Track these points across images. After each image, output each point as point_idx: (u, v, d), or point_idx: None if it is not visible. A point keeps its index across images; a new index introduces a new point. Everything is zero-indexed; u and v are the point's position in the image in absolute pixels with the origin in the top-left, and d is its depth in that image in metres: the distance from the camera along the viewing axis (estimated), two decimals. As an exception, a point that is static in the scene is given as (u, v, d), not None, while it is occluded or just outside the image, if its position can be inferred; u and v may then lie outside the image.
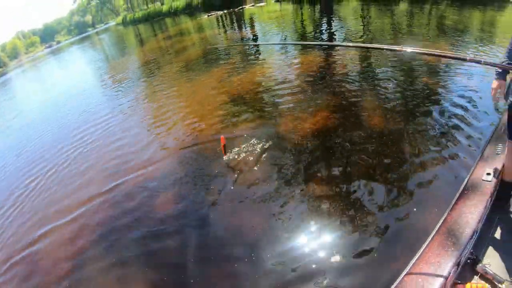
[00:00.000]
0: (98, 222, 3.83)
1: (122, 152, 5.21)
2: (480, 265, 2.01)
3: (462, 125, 4.43)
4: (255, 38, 11.13)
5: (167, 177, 4.21)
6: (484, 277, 2.00)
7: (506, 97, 2.25)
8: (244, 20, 14.59)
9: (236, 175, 3.90)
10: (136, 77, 9.57)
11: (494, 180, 2.28)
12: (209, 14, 16.57)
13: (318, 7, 17.61)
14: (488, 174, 2.32)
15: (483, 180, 2.31)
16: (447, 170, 3.56)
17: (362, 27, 11.95)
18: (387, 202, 3.19)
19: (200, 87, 6.97)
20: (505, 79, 2.27)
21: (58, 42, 72.74)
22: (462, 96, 5.25)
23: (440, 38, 10.06)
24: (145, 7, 40.83)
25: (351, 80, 6.29)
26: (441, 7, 19.53)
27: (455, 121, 4.58)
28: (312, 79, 6.47)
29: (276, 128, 4.69)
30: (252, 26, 13.33)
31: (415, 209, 3.06)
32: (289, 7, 17.39)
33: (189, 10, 18.60)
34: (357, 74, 6.67)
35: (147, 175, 4.38)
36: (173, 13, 23.78)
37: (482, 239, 2.21)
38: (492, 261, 2.09)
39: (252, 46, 10.09)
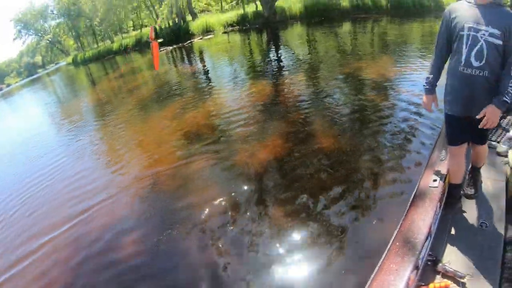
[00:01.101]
0: (50, 266, 3.65)
1: (79, 192, 5.01)
2: (440, 264, 2.12)
3: (411, 137, 4.70)
4: (207, 71, 11.28)
5: (125, 214, 4.13)
6: (446, 275, 2.10)
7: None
8: (194, 54, 14.79)
9: (197, 208, 3.86)
10: (90, 118, 9.43)
11: (441, 185, 2.40)
12: (159, 50, 16.75)
13: (265, 35, 18.08)
14: (435, 180, 2.44)
15: (430, 186, 2.42)
16: (400, 181, 3.75)
17: (308, 51, 12.46)
18: (347, 218, 3.30)
19: (155, 125, 7.00)
20: (434, 93, 2.43)
21: (8, 85, 70.19)
22: (408, 109, 5.57)
23: (384, 53, 10.92)
24: (95, 45, 40.54)
25: (302, 105, 6.50)
26: (382, 23, 20.66)
27: (404, 133, 4.86)
28: (264, 107, 6.61)
29: (232, 162, 4.72)
30: (202, 60, 13.51)
31: (374, 222, 3.21)
32: (237, 37, 17.77)
33: (139, 47, 18.75)
34: (307, 98, 6.90)
35: (104, 213, 4.28)
36: (124, 50, 23.88)
37: (439, 240, 2.34)
38: (451, 258, 2.20)
39: (204, 79, 10.21)
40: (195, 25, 19.20)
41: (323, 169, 4.25)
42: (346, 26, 19.96)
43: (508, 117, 4.18)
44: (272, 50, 13.62)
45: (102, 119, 8.71)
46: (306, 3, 23.01)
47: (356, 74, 8.21)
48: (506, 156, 3.21)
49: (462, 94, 2.24)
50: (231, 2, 26.89)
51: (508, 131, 3.63)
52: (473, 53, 2.10)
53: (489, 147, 3.26)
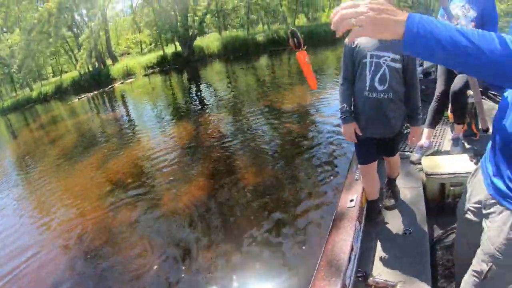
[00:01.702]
0: None
1: (2, 253, 4.64)
2: (371, 278, 2.17)
3: (332, 159, 5.04)
4: (130, 116, 11.40)
5: (51, 274, 3.90)
6: (378, 287, 2.15)
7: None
8: (116, 99, 14.78)
9: (125, 261, 3.75)
10: (11, 173, 9.05)
11: (358, 203, 2.48)
12: (80, 97, 16.42)
13: (185, 75, 18.56)
14: (351, 200, 2.51)
15: (348, 207, 2.48)
16: (325, 205, 3.95)
17: (229, 87, 13.08)
18: (276, 248, 3.43)
19: (80, 175, 6.87)
20: (353, 120, 2.43)
21: None
22: (327, 134, 5.99)
23: (301, 82, 11.53)
24: (14, 94, 38.60)
25: (226, 140, 6.79)
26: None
27: (326, 158, 5.18)
28: (189, 147, 6.81)
29: (159, 207, 4.68)
30: (125, 104, 13.61)
31: (304, 247, 3.35)
32: (158, 79, 18.07)
33: (59, 94, 18.31)
34: (231, 133, 7.26)
35: (29, 272, 4.02)
36: (43, 99, 23.14)
37: (366, 255, 2.39)
38: (381, 270, 2.25)
39: (128, 124, 10.31)
40: (116, 69, 19.21)
41: (250, 202, 4.36)
42: (264, 60, 21.18)
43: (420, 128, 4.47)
44: (194, 90, 14.05)
45: (24, 173, 8.45)
46: (223, 40, 24.12)
47: (276, 106, 8.70)
48: (420, 163, 3.36)
49: (369, 116, 2.34)
50: (150, 44, 27.20)
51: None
52: (376, 78, 2.23)
53: (402, 158, 3.55)
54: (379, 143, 2.47)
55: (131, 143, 8.13)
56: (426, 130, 3.79)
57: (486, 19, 3.04)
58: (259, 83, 13.07)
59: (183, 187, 5.09)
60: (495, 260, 1.32)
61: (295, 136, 6.36)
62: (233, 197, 4.60)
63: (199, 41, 24.79)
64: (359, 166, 2.60)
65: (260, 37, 25.50)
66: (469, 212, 1.59)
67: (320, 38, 29.52)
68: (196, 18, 25.41)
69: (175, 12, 23.74)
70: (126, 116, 11.59)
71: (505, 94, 1.39)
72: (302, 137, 6.21)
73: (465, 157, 2.97)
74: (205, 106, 10.40)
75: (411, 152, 3.73)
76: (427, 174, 3.01)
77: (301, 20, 39.21)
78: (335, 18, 0.88)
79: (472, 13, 3.25)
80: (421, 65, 5.75)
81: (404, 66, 2.23)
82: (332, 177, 4.62)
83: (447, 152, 3.68)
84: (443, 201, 2.98)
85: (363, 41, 2.23)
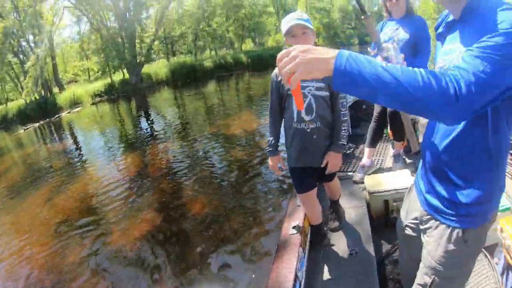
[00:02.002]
0: None
1: None
2: None
3: (281, 184, 5.19)
4: (78, 147, 11.28)
5: None
6: None
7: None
8: (64, 129, 14.61)
9: None
10: None
11: (301, 230, 2.48)
12: (26, 127, 16.08)
13: (134, 103, 18.67)
14: (294, 227, 2.49)
15: (290, 234, 2.46)
16: (274, 232, 4.03)
17: (178, 114, 13.27)
18: (225, 277, 3.50)
19: (26, 213, 6.35)
20: (278, 154, 2.49)
21: None
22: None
23: (249, 107, 12.21)
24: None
25: (175, 169, 6.81)
26: (245, 78, 22.57)
27: (274, 183, 5.34)
28: (138, 179, 6.72)
29: (109, 244, 4.58)
30: (73, 135, 13.52)
31: (253, 276, 3.43)
32: (106, 107, 18.05)
33: (5, 124, 17.73)
34: (180, 162, 7.27)
35: None
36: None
37: (314, 281, 2.40)
38: None
39: (76, 156, 10.20)
40: (63, 97, 18.87)
41: (199, 233, 4.42)
42: (212, 85, 21.65)
43: (360, 147, 4.54)
44: (142, 118, 14.15)
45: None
46: (171, 67, 24.64)
47: (224, 132, 8.93)
48: (362, 182, 3.40)
49: (300, 147, 2.35)
50: (98, 71, 26.96)
51: (360, 160, 3.96)
52: (303, 109, 2.24)
53: (345, 178, 3.68)
54: (315, 171, 2.47)
55: (79, 176, 7.92)
56: (367, 150, 3.87)
57: (418, 41, 3.19)
58: (207, 109, 13.37)
59: (132, 220, 5.03)
60: (437, 273, 1.40)
61: (242, 162, 6.54)
62: (182, 229, 4.63)
63: (147, 68, 25.02)
64: (297, 194, 2.61)
65: (207, 63, 26.29)
66: (407, 228, 1.67)
67: (268, 62, 30.44)
68: (144, 45, 25.87)
69: (123, 39, 23.88)
70: (74, 147, 11.44)
71: None
72: (250, 164, 6.38)
73: (407, 172, 3.08)
74: (154, 135, 10.39)
75: (353, 171, 3.82)
76: (370, 193, 3.07)
77: (248, 45, 40.22)
78: (278, 64, 0.97)
79: (405, 35, 3.41)
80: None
81: (331, 93, 2.27)
82: (280, 203, 4.75)
83: (389, 169, 3.75)
84: (388, 217, 3.03)
85: None
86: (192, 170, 6.63)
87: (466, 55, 1.03)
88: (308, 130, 2.27)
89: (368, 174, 3.56)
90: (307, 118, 2.25)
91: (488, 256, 2.36)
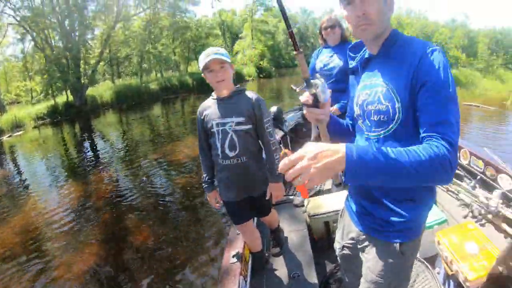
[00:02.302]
0: None
1: None
2: None
3: (224, 213, 5.00)
4: (20, 174, 10.80)
5: None
6: None
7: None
8: (4, 155, 13.99)
9: None
10: None
11: (241, 258, 2.49)
12: None
13: (78, 126, 18.37)
14: (234, 256, 2.50)
15: (231, 263, 2.46)
16: (216, 263, 4.10)
17: (123, 139, 13.06)
18: None
19: None
20: (213, 189, 2.57)
21: None
22: None
23: (193, 130, 11.76)
24: None
25: (119, 198, 6.74)
26: (190, 101, 22.74)
27: (218, 211, 5.32)
28: (81, 208, 6.51)
29: (53, 279, 4.46)
30: (14, 161, 13.10)
31: None
32: (49, 131, 17.66)
33: None
34: (125, 189, 7.24)
35: None
36: None
37: None
38: None
39: (17, 183, 9.71)
40: (4, 119, 17.92)
41: (144, 263, 4.44)
42: (157, 108, 21.64)
43: None
44: (87, 143, 13.77)
45: None
46: (116, 89, 24.49)
47: (170, 158, 9.03)
48: (303, 205, 3.46)
49: (229, 182, 2.41)
50: (41, 93, 26.30)
51: None
52: (226, 145, 2.27)
53: (286, 202, 3.74)
54: (248, 203, 2.51)
55: (20, 206, 7.43)
56: None
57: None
58: (152, 133, 13.37)
59: (76, 253, 4.90)
60: (378, 285, 1.45)
61: (187, 189, 6.61)
62: (128, 259, 4.63)
63: (92, 90, 24.65)
64: (235, 225, 2.64)
65: (153, 85, 26.41)
66: (345, 249, 1.71)
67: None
68: (88, 66, 25.56)
69: (67, 59, 23.41)
70: (16, 174, 10.88)
71: (356, 137, 1.60)
72: (194, 190, 6.46)
73: (346, 193, 3.19)
74: (98, 161, 10.24)
75: (294, 195, 3.86)
76: (310, 215, 3.13)
77: (194, 67, 40.56)
78: (286, 176, 0.96)
79: (339, 62, 3.58)
80: (300, 109, 5.96)
81: (254, 125, 2.31)
82: (224, 228, 4.88)
83: (328, 191, 3.81)
84: (330, 238, 3.09)
85: (210, 110, 2.35)
86: (136, 198, 6.63)
87: (429, 115, 1.20)
88: (233, 166, 2.32)
89: (309, 197, 3.57)
90: (231, 154, 2.29)
91: (430, 267, 2.58)
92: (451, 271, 2.60)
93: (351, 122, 1.76)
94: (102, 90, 24.63)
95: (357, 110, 1.55)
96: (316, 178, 0.94)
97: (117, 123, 17.68)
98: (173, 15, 34.40)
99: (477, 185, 3.81)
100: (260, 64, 44.86)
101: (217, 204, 2.61)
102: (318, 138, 3.63)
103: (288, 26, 1.33)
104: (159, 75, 33.76)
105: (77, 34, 24.45)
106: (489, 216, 3.51)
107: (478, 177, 3.88)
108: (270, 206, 2.69)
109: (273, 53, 55.41)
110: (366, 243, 1.55)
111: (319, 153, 0.95)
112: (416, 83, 1.27)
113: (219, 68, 2.23)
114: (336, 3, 1.39)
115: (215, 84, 2.29)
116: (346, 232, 1.70)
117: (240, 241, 2.69)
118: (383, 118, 1.39)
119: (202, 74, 2.31)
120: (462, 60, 33.25)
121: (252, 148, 2.34)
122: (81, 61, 24.80)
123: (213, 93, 2.41)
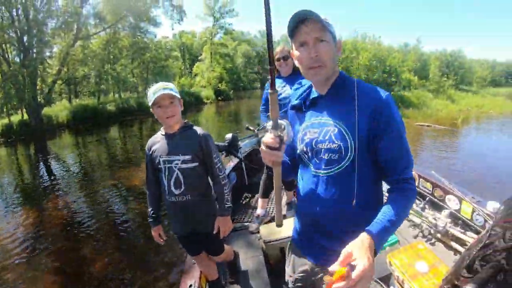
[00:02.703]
0: None
1: None
2: None
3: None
4: None
5: None
6: None
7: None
8: None
9: None
10: None
11: (197, 286, 2.44)
12: None
13: (33, 147, 17.89)
14: (190, 286, 2.45)
15: None
16: None
17: (79, 163, 12.69)
18: None
19: None
20: (158, 224, 2.53)
21: None
22: None
23: None
24: None
25: (76, 225, 6.59)
26: (147, 123, 22.85)
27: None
28: (35, 237, 6.24)
29: None
30: None
31: None
32: (2, 151, 17.02)
33: None
34: (82, 216, 7.04)
35: None
36: None
37: None
38: None
39: None
40: None
41: None
42: (115, 131, 21.39)
43: (256, 196, 4.61)
44: (42, 166, 13.26)
45: None
46: (74, 109, 24.17)
47: (127, 183, 8.93)
48: (258, 232, 3.46)
49: (176, 218, 2.42)
50: None
51: (255, 210, 4.02)
52: (172, 183, 2.25)
53: (241, 229, 3.75)
54: (197, 238, 2.50)
55: None
56: (260, 200, 3.91)
57: None
58: (109, 157, 13.29)
59: (32, 284, 4.77)
60: None
61: (144, 215, 6.40)
62: None
63: (48, 110, 24.08)
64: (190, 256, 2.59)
65: (110, 107, 26.25)
66: (298, 282, 1.70)
67: None
68: (45, 85, 25.04)
69: (24, 76, 22.66)
70: None
71: (300, 173, 1.65)
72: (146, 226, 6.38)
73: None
74: (54, 185, 9.77)
75: (249, 222, 3.88)
76: (266, 242, 3.13)
77: None
78: None
79: (290, 92, 3.45)
80: (256, 135, 5.85)
81: (201, 161, 2.30)
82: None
83: (283, 217, 3.75)
84: (285, 261, 2.91)
85: (158, 146, 2.33)
86: (93, 224, 6.52)
87: (395, 162, 1.40)
88: (179, 203, 2.30)
89: (264, 224, 3.61)
90: (176, 192, 2.27)
91: (384, 287, 2.62)
92: (404, 289, 2.60)
93: (287, 157, 1.77)
94: (59, 110, 24.05)
95: (302, 147, 1.56)
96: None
97: (74, 145, 17.21)
98: (133, 35, 34.71)
99: (426, 206, 3.97)
100: (219, 87, 45.74)
101: (161, 240, 2.58)
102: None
103: (270, 62, 1.36)
104: (117, 95, 33.01)
105: (35, 50, 23.96)
106: (438, 235, 3.68)
107: (427, 198, 4.05)
108: (221, 245, 2.65)
109: (231, 76, 56.41)
110: (321, 274, 1.55)
111: (370, 268, 1.11)
112: (376, 129, 1.38)
113: (169, 104, 2.22)
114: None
115: (164, 119, 2.27)
116: (298, 265, 1.69)
117: (196, 269, 2.65)
118: (334, 156, 1.44)
119: (151, 109, 2.28)
120: (415, 82, 35.42)
121: (198, 186, 2.33)
122: (38, 79, 24.18)
123: (162, 128, 2.41)
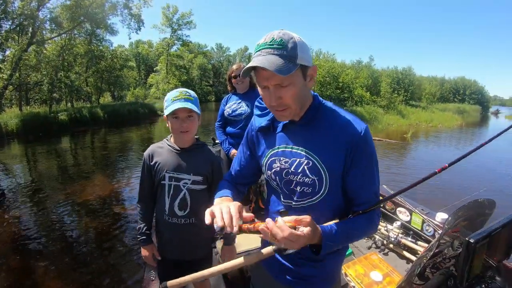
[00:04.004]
0: None
1: None
2: None
3: (137, 258, 5.19)
4: None
5: None
6: None
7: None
8: None
9: None
10: None
11: None
12: None
13: None
14: None
15: None
16: None
17: (29, 176, 12.04)
18: None
19: None
20: (151, 242, 2.32)
21: None
22: (131, 232, 6.14)
23: (105, 168, 11.96)
24: None
25: (26, 243, 6.20)
26: (101, 135, 22.72)
27: (131, 255, 5.37)
28: None
29: None
30: None
31: None
32: None
33: None
34: (32, 234, 6.64)
35: None
36: None
37: None
38: None
39: None
40: None
41: None
42: (66, 142, 20.47)
43: None
44: None
45: None
46: (24, 118, 23.16)
47: (79, 198, 8.55)
48: (215, 247, 3.39)
49: (171, 241, 2.21)
50: None
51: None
52: (176, 203, 2.09)
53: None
54: (187, 266, 2.11)
55: None
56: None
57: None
58: (61, 170, 12.72)
59: None
60: None
61: (97, 232, 6.47)
62: None
63: None
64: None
65: (62, 116, 25.54)
66: None
67: (124, 118, 30.48)
68: None
69: None
70: None
71: (271, 198, 1.62)
72: (105, 234, 6.34)
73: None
74: (1, 200, 9.10)
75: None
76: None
77: (106, 99, 39.77)
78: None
79: (246, 108, 3.67)
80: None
81: (210, 184, 2.15)
82: (137, 273, 4.80)
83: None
84: (244, 276, 3.01)
85: (164, 158, 2.13)
86: (45, 242, 6.18)
87: (366, 192, 1.40)
88: (180, 226, 2.13)
89: (220, 239, 3.37)
90: (179, 213, 2.11)
91: None
92: (360, 299, 2.55)
93: (236, 181, 1.76)
94: (8, 118, 22.78)
95: (270, 174, 1.51)
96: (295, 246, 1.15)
97: (23, 156, 16.35)
98: (89, 42, 34.34)
99: (378, 218, 4.18)
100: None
101: (154, 261, 2.32)
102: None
103: None
104: (69, 104, 31.78)
105: (-14, 54, 22.86)
106: (391, 245, 3.75)
107: None
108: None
109: (187, 88, 56.20)
110: None
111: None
112: (351, 161, 1.35)
113: (186, 117, 2.05)
114: (251, 41, 2.25)
115: (177, 133, 2.11)
116: (264, 286, 1.67)
117: (155, 285, 2.52)
118: (307, 190, 1.39)
119: (164, 116, 2.10)
120: (367, 98, 37.05)
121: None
122: (-13, 84, 23.02)
123: (168, 138, 2.23)
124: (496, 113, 67.26)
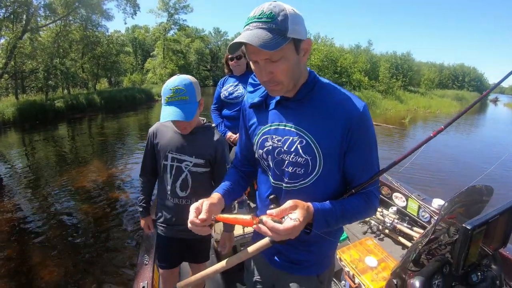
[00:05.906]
0: None
1: None
2: None
3: (132, 242, 5.29)
4: None
5: None
6: None
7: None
8: None
9: None
10: None
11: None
12: None
13: None
14: (143, 287, 2.38)
15: None
16: None
17: (26, 163, 11.96)
18: None
19: None
20: (148, 215, 2.42)
21: None
22: (131, 214, 6.28)
23: (103, 153, 12.06)
24: None
25: (22, 232, 6.22)
26: (98, 121, 22.71)
27: (127, 240, 5.50)
28: None
29: None
30: None
31: None
32: None
33: None
34: (29, 221, 6.63)
35: None
36: None
37: None
38: None
39: None
40: None
41: None
42: (63, 129, 20.24)
43: None
44: None
45: None
46: (20, 106, 23.01)
47: (76, 184, 8.62)
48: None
49: (170, 217, 2.24)
50: None
51: None
52: (178, 184, 2.12)
53: None
54: (182, 246, 2.33)
55: None
56: None
57: None
58: (58, 157, 12.71)
59: None
60: None
61: (95, 217, 6.50)
62: None
63: None
64: (160, 271, 2.44)
65: (59, 103, 25.39)
66: (258, 284, 1.66)
67: (121, 104, 30.30)
68: None
69: None
70: None
71: (259, 178, 1.56)
72: (102, 218, 6.39)
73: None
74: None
75: None
76: (217, 241, 3.03)
77: (103, 85, 39.45)
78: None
79: (243, 91, 3.64)
80: None
81: (212, 168, 2.16)
82: (134, 257, 4.84)
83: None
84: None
85: (167, 139, 2.16)
86: (42, 228, 6.23)
87: (366, 174, 1.33)
88: (181, 206, 2.16)
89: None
90: (181, 194, 2.14)
91: (336, 282, 2.69)
92: (354, 284, 2.70)
93: (240, 167, 1.72)
94: (5, 106, 22.55)
95: (260, 153, 1.44)
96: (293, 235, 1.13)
97: (20, 144, 16.25)
98: (85, 28, 33.76)
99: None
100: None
101: (149, 230, 2.49)
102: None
103: None
104: (65, 91, 31.38)
105: (-19, 43, 22.30)
106: (386, 231, 3.74)
107: None
108: (208, 251, 2.49)
109: (184, 73, 55.92)
110: (284, 278, 1.51)
111: (299, 225, 1.12)
112: (348, 143, 1.28)
113: (180, 121, 2.02)
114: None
115: (175, 126, 2.14)
116: (258, 269, 1.65)
117: (149, 270, 2.55)
118: (299, 171, 1.32)
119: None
120: (365, 83, 36.91)
121: (204, 191, 1.94)
122: (-18, 73, 22.56)
123: None
124: (495, 101, 67.20)
